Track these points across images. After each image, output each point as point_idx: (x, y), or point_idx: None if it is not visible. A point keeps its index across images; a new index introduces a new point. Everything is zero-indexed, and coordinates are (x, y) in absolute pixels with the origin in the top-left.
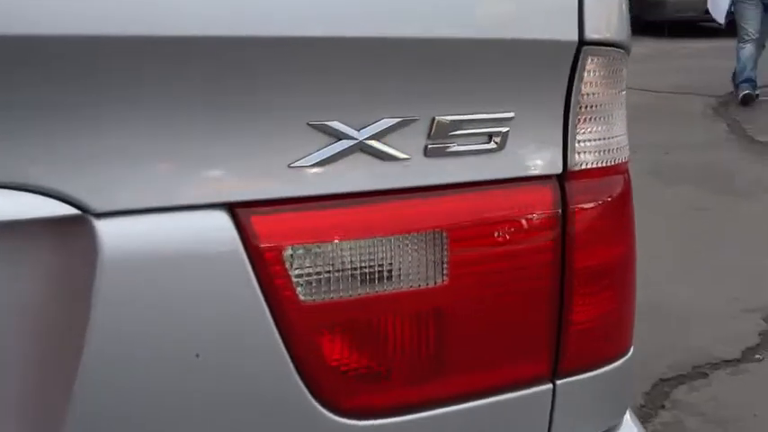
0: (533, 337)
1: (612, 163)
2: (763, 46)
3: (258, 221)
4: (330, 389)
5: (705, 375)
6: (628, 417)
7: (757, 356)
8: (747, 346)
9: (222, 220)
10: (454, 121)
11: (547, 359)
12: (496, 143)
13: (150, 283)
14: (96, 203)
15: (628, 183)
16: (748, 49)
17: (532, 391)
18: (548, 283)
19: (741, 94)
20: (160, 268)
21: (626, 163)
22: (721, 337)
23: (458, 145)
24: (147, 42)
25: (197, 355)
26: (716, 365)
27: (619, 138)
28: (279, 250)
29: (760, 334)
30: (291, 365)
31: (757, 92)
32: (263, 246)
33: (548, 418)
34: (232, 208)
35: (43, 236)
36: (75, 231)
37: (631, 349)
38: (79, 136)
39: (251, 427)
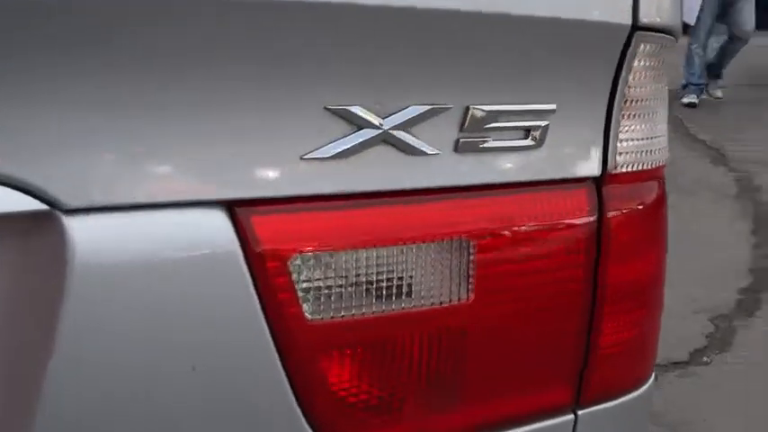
0: (558, 362)
1: (652, 166)
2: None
3: (261, 223)
4: (335, 424)
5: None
6: None
7: (705, 359)
8: (695, 348)
9: (218, 220)
10: (491, 111)
11: (570, 386)
12: (534, 139)
13: (129, 293)
14: (67, 197)
15: (664, 189)
16: (700, 52)
17: (553, 422)
18: (579, 302)
19: (687, 101)
20: (141, 277)
21: (664, 167)
22: (669, 338)
23: (492, 140)
24: None
25: (193, 367)
26: (664, 367)
27: (661, 138)
28: (284, 259)
29: (707, 336)
30: (292, 396)
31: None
32: (265, 252)
33: None
34: (230, 207)
35: (2, 234)
36: (41, 229)
37: (653, 375)
38: (47, 117)
39: None
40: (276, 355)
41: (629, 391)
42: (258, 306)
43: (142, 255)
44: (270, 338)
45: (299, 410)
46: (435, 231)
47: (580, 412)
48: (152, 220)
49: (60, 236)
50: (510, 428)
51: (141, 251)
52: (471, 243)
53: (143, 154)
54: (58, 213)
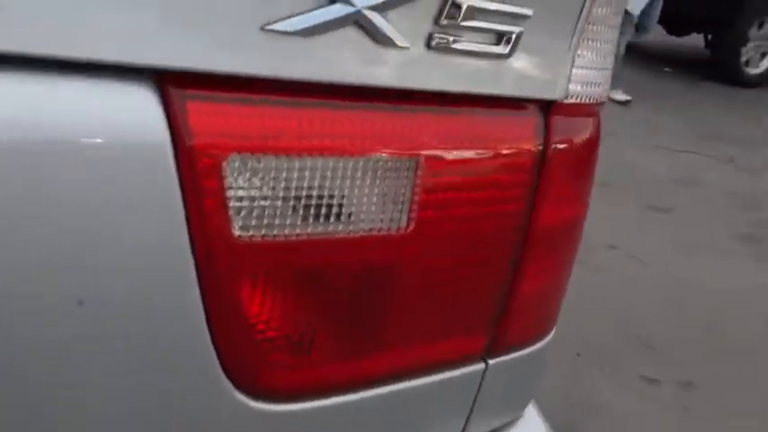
0: (479, 307)
1: (597, 101)
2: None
3: (198, 109)
4: (249, 364)
5: None
6: (531, 406)
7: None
8: None
9: (142, 96)
10: (470, 6)
11: (486, 334)
12: (506, 47)
13: (14, 182)
14: None
15: (599, 129)
16: (624, 47)
17: (464, 370)
18: (511, 241)
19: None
20: (33, 160)
21: (603, 104)
22: None
23: (466, 40)
24: None
25: (79, 303)
26: None
27: (607, 71)
28: (219, 158)
29: None
30: (205, 327)
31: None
32: (198, 146)
33: (471, 402)
34: (161, 81)
35: None
36: None
37: (554, 327)
38: None
39: (133, 398)
40: (195, 278)
41: (535, 342)
42: (182, 214)
43: (31, 133)
44: (191, 256)
45: (210, 343)
46: (386, 143)
47: (491, 361)
48: (50, 86)
49: None
50: (420, 377)
51: (31, 127)
52: (420, 163)
53: None
54: None
